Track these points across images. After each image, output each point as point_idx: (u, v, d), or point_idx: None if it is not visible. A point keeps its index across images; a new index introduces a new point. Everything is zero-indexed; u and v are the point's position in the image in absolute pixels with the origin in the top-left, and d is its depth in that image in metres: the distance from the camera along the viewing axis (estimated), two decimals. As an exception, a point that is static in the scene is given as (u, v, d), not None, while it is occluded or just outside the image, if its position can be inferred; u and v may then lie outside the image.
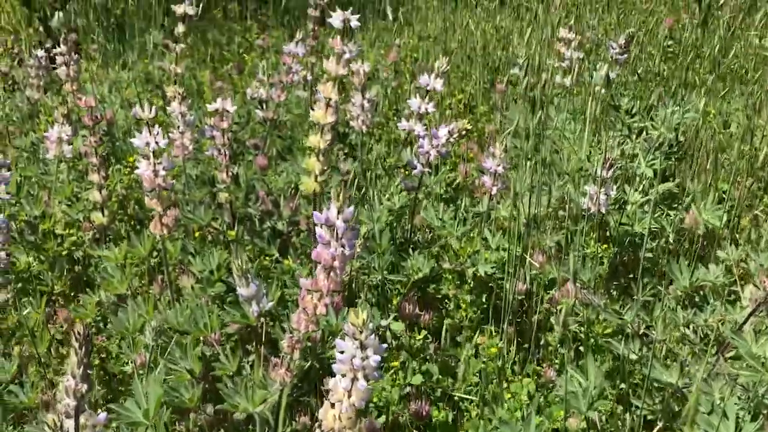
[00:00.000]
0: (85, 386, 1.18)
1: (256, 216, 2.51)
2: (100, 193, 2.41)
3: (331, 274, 1.39)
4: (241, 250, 2.31)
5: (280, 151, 3.10)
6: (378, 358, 1.29)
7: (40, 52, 3.56)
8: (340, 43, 1.96)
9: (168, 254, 2.24)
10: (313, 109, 2.89)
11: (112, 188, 2.57)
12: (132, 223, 2.71)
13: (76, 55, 3.16)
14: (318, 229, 1.36)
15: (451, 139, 2.15)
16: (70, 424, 1.21)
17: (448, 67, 2.35)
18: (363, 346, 1.29)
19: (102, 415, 1.26)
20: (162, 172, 1.87)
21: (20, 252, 2.36)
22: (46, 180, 2.73)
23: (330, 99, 2.04)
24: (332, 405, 1.36)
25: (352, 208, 1.35)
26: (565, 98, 3.30)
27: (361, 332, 1.28)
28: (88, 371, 1.18)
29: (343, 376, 1.32)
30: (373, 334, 1.29)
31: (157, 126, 1.86)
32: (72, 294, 2.40)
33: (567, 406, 1.50)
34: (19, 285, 2.34)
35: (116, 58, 4.62)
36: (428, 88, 2.36)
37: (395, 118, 3.58)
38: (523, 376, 1.77)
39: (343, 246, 1.35)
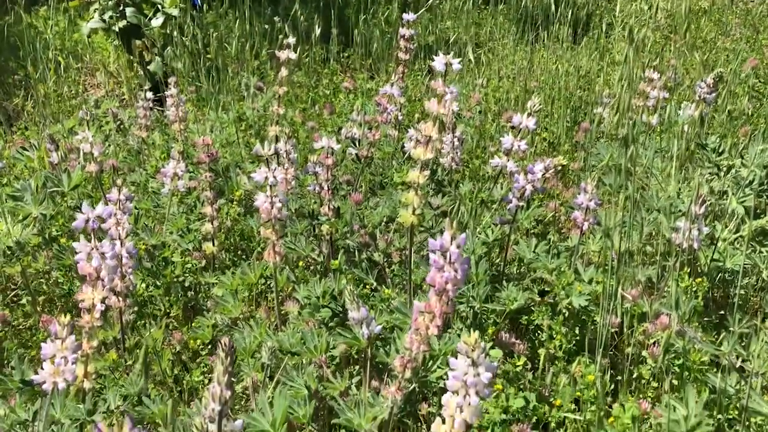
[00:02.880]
0: (229, 393, 1.32)
1: (354, 248, 2.65)
2: (212, 224, 2.60)
3: (444, 297, 1.50)
4: (342, 278, 2.44)
5: (372, 187, 3.24)
6: (489, 375, 1.38)
7: (149, 94, 3.84)
8: (442, 85, 2.09)
9: (277, 282, 2.39)
10: (403, 147, 3.04)
11: (222, 221, 2.76)
12: (237, 253, 2.89)
13: (183, 97, 3.41)
14: (432, 255, 1.47)
15: (547, 175, 2.25)
16: (213, 428, 1.34)
17: (540, 106, 2.45)
18: (475, 364, 1.39)
19: (239, 422, 1.39)
20: (278, 204, 2.03)
21: (138, 278, 2.56)
22: (159, 212, 2.95)
23: (430, 137, 2.17)
24: (443, 420, 1.45)
25: (464, 235, 1.46)
26: (650, 137, 3.35)
27: (473, 350, 1.38)
28: (232, 379, 1.31)
29: (456, 392, 1.42)
30: (484, 354, 1.39)
31: (274, 163, 2.02)
32: (183, 318, 2.58)
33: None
34: (136, 308, 2.53)
35: (212, 100, 4.90)
36: (521, 126, 2.47)
37: (482, 156, 3.69)
38: (620, 402, 1.81)
39: (455, 270, 1.46)
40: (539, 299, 2.31)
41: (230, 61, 5.65)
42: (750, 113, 3.90)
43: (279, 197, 2.03)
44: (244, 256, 2.89)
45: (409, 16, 3.47)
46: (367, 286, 2.39)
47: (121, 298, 2.12)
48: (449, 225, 1.43)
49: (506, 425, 1.81)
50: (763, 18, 6.03)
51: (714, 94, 2.90)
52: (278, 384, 1.89)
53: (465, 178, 3.67)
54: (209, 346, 2.41)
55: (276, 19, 6.34)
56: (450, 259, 1.44)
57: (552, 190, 3.34)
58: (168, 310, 2.50)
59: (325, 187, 2.50)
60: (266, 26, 6.25)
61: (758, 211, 2.73)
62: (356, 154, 3.22)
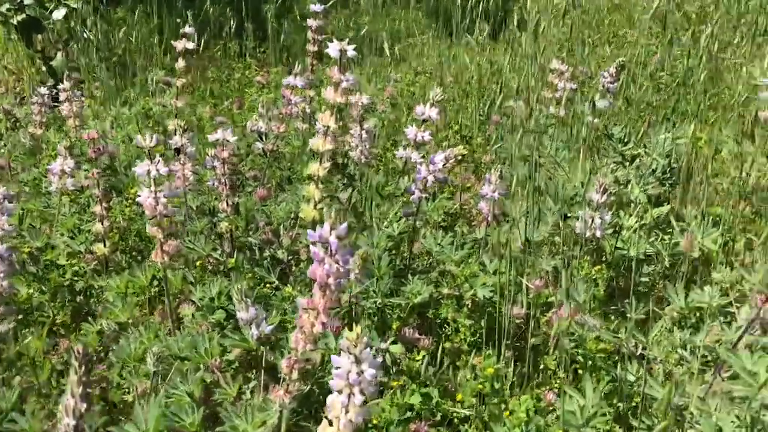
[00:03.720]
0: (85, 405, 1.20)
1: (257, 245, 2.54)
2: (102, 224, 2.45)
3: (327, 291, 1.41)
4: (242, 277, 2.33)
5: (280, 183, 3.14)
6: (373, 371, 1.31)
7: (43, 90, 3.63)
8: (338, 73, 2.01)
9: (169, 283, 2.26)
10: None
11: (114, 220, 2.60)
12: (132, 254, 2.74)
13: (79, 92, 3.23)
14: (313, 247, 1.39)
15: (447, 165, 2.20)
16: (71, 443, 1.22)
17: (443, 96, 2.40)
18: (358, 361, 1.31)
19: (103, 435, 1.28)
20: (163, 200, 1.91)
21: (21, 284, 2.39)
22: (49, 213, 2.77)
23: (328, 127, 2.09)
24: (330, 422, 1.37)
25: (345, 224, 1.38)
26: (558, 128, 3.36)
27: (356, 347, 1.30)
28: (88, 390, 1.20)
29: (340, 391, 1.34)
30: (368, 349, 1.31)
31: (158, 155, 1.90)
32: (73, 325, 2.41)
33: (565, 425, 1.51)
34: (20, 316, 2.36)
35: (117, 96, 4.69)
36: (423, 117, 2.41)
37: (393, 150, 3.63)
38: (520, 394, 1.78)
39: (337, 262, 1.38)
40: (445, 292, 2.26)
41: (138, 57, 5.43)
42: (655, 104, 3.98)
43: (164, 191, 1.91)
44: (141, 258, 2.74)
45: (316, 7, 3.37)
46: (268, 285, 2.29)
47: (-7, 306, 1.95)
48: (328, 215, 1.35)
49: (405, 423, 1.74)
50: (670, 14, 6.19)
51: (616, 84, 2.91)
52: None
53: (379, 172, 3.61)
54: (102, 354, 2.27)
55: (188, 13, 6.14)
56: (331, 251, 1.36)
57: (464, 183, 3.31)
58: (55, 317, 2.34)
59: (223, 182, 2.38)
60: (178, 20, 6.04)
61: (661, 199, 2.76)
62: (263, 149, 3.11)
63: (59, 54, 5.49)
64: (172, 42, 2.84)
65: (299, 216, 2.68)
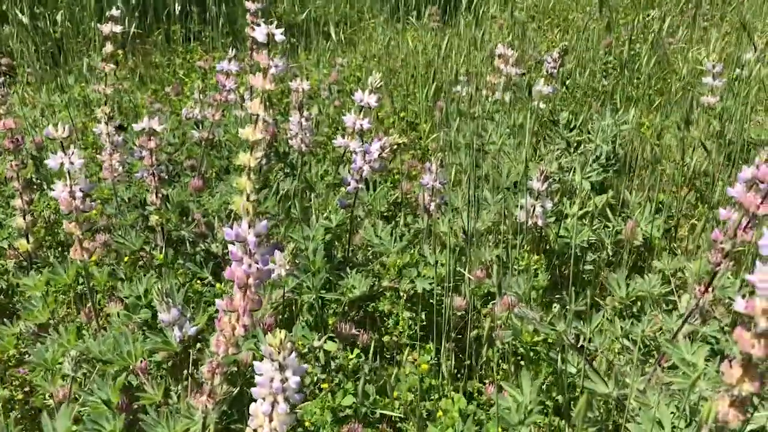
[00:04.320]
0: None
1: (190, 239, 2.44)
2: (25, 218, 2.32)
3: (247, 292, 1.33)
4: (172, 274, 2.23)
5: (218, 173, 3.03)
6: (297, 379, 1.24)
7: (-32, 76, 3.43)
8: (266, 58, 1.92)
9: (95, 281, 2.15)
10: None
11: (38, 214, 2.47)
12: (61, 249, 2.61)
13: (2, 78, 3.05)
14: (230, 246, 1.30)
15: (384, 154, 2.12)
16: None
17: (382, 83, 2.32)
18: (282, 368, 1.23)
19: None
20: (79, 194, 1.80)
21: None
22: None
23: (257, 115, 1.99)
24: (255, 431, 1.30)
25: (264, 222, 1.30)
26: (504, 114, 3.31)
27: (279, 353, 1.23)
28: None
29: (264, 399, 1.27)
30: (293, 355, 1.24)
31: (72, 146, 1.78)
32: (-6, 326, 2.28)
33: (500, 422, 1.46)
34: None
35: (52, 83, 4.49)
36: (362, 104, 2.33)
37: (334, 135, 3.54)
38: (451, 393, 1.72)
39: (257, 262, 1.29)
40: (386, 285, 2.20)
41: (75, 42, 5.21)
42: (600, 89, 3.96)
43: (81, 185, 1.79)
44: (66, 252, 2.61)
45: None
46: (199, 282, 2.19)
47: None
48: (244, 212, 1.26)
49: (340, 424, 1.68)
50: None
51: (561, 68, 2.87)
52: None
53: (323, 160, 3.51)
54: (23, 356, 2.14)
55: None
56: (249, 250, 1.28)
57: (410, 170, 3.24)
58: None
59: (152, 173, 2.27)
60: (119, 4, 5.81)
61: (605, 185, 2.73)
62: (198, 137, 2.99)
63: (-10, 38, 5.24)
64: (98, 26, 2.70)
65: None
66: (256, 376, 1.26)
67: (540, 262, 2.08)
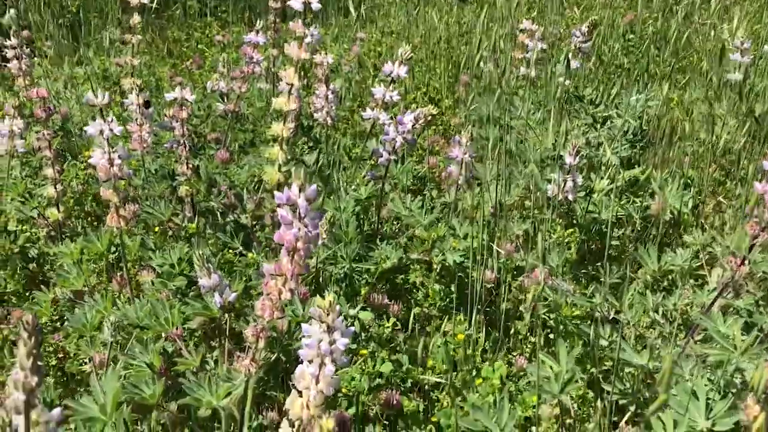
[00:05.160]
0: (36, 379, 1.11)
1: (219, 210, 2.45)
2: (55, 188, 2.33)
3: (295, 257, 1.34)
4: (204, 243, 2.24)
5: (243, 145, 3.03)
6: (346, 341, 1.25)
7: (-9, 48, 3.43)
8: (302, 26, 1.91)
9: (127, 249, 2.16)
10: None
11: (67, 183, 2.48)
12: (89, 219, 2.62)
13: (28, 49, 3.05)
14: (280, 210, 1.31)
15: (417, 126, 2.12)
16: (20, 420, 1.14)
17: (412, 55, 2.32)
18: (330, 330, 1.25)
19: (56, 411, 1.19)
20: (117, 161, 1.80)
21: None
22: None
23: (292, 85, 1.99)
24: (300, 393, 1.31)
25: (314, 186, 1.30)
26: (529, 89, 3.29)
27: (327, 315, 1.24)
28: (38, 363, 1.11)
29: (310, 361, 1.28)
30: (341, 317, 1.25)
31: (111, 114, 1.78)
32: (27, 293, 2.30)
33: (539, 390, 1.47)
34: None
35: (71, 55, 4.49)
36: (392, 76, 2.32)
37: (360, 111, 3.54)
38: (493, 360, 1.73)
39: (306, 226, 1.30)
40: (414, 257, 2.20)
41: (92, 14, 5.19)
42: (625, 66, 3.93)
43: (119, 152, 1.80)
44: (98, 224, 2.62)
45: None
46: (231, 251, 2.20)
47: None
48: (296, 176, 1.27)
49: (375, 391, 1.69)
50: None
51: (588, 43, 2.85)
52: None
53: (346, 134, 3.51)
54: (58, 323, 2.16)
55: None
56: (300, 214, 1.29)
57: (432, 146, 3.24)
58: (6, 285, 2.22)
59: (183, 143, 2.27)
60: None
61: (632, 161, 2.73)
62: (224, 110, 2.99)
63: (10, 11, 5.23)
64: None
65: (263, 180, 2.58)
66: (303, 339, 1.27)
67: (574, 235, 2.08)
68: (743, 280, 1.82)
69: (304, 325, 1.26)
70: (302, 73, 1.97)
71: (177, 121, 2.23)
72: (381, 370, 1.68)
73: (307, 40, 1.91)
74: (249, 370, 1.49)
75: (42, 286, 2.15)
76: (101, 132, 1.77)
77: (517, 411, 1.47)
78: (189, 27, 5.53)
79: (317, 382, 1.29)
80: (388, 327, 1.83)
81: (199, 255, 1.62)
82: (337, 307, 1.24)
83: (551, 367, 1.57)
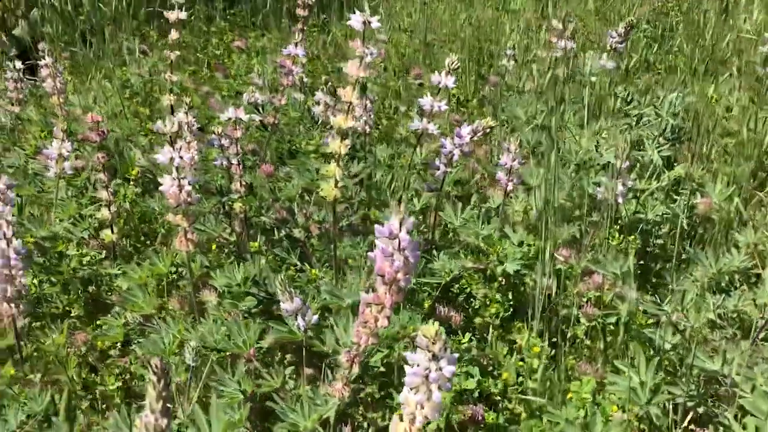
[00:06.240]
0: (165, 421, 1.14)
1: (271, 225, 2.47)
2: (109, 209, 2.34)
3: (394, 286, 1.36)
4: (260, 260, 2.26)
5: (280, 156, 3.04)
6: (453, 368, 1.27)
7: (18, 64, 3.43)
8: (361, 45, 1.92)
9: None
10: (311, 111, 2.84)
11: (118, 205, 2.49)
12: (139, 237, 2.64)
13: (61, 67, 3.06)
14: (379, 242, 1.33)
15: (475, 138, 2.14)
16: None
17: (459, 65, 2.33)
18: (436, 357, 1.27)
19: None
20: (187, 187, 1.82)
21: (28, 275, 2.28)
22: (44, 198, 2.64)
23: (351, 103, 2.00)
24: (401, 418, 1.34)
25: (412, 219, 1.32)
26: (557, 90, 3.31)
27: (434, 343, 1.26)
28: (168, 405, 1.13)
29: (415, 389, 1.30)
30: (448, 345, 1.27)
31: (179, 140, 1.80)
32: (85, 315, 2.32)
33: (629, 402, 1.50)
34: (31, 310, 2.26)
35: (91, 67, 4.48)
36: (440, 85, 2.33)
37: (392, 115, 3.55)
38: (582, 375, 1.76)
39: (406, 258, 1.32)
40: (470, 266, 2.22)
41: (106, 23, 5.17)
42: (654, 62, 3.95)
43: (188, 179, 1.82)
44: (146, 241, 2.64)
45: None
46: (291, 268, 2.22)
47: (12, 305, 1.85)
48: (396, 208, 1.29)
49: (455, 407, 1.72)
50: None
51: (624, 44, 2.87)
52: (206, 388, 1.71)
53: (375, 141, 3.53)
54: (118, 345, 2.18)
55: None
56: (400, 245, 1.31)
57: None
58: (68, 309, 2.24)
59: (235, 162, 2.29)
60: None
61: (672, 159, 2.75)
62: (261, 121, 3.00)
63: (22, 22, 5.21)
64: (165, 13, 2.70)
65: (313, 192, 2.60)
66: (408, 367, 1.29)
67: (635, 242, 2.10)
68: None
69: (409, 354, 1.28)
70: (361, 92, 1.99)
71: (231, 140, 2.25)
72: (467, 386, 1.71)
73: (367, 59, 1.92)
74: (343, 395, 1.52)
75: (105, 309, 2.17)
76: (171, 160, 1.78)
77: (609, 428, 1.49)
78: (201, 32, 5.51)
79: (422, 407, 1.31)
80: (464, 343, 1.86)
81: (281, 280, 1.64)
82: (443, 335, 1.26)
83: (633, 378, 1.60)
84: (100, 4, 5.23)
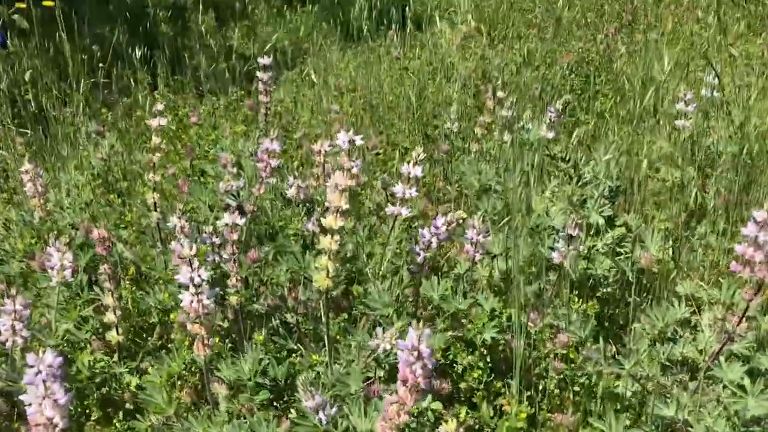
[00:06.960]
0: None
1: (264, 312, 2.69)
2: (115, 314, 2.52)
3: (414, 389, 1.62)
4: (258, 348, 2.46)
5: (258, 236, 3.26)
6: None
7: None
8: (348, 160, 2.19)
9: (197, 364, 2.39)
10: (284, 195, 3.08)
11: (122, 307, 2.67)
12: (138, 331, 2.81)
13: (40, 169, 3.21)
14: (401, 354, 1.59)
15: (449, 228, 2.43)
16: None
17: (424, 155, 2.62)
18: (458, 450, 1.54)
19: None
20: (206, 302, 2.04)
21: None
22: (42, 303, 2.79)
23: (340, 208, 2.26)
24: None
25: (428, 330, 1.59)
26: (502, 154, 3.65)
27: (456, 436, 1.53)
28: None
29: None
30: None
31: (196, 260, 2.02)
32: (101, 417, 2.49)
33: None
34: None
35: (51, 154, 4.58)
36: (409, 175, 2.62)
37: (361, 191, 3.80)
38: (558, 425, 2.06)
39: (425, 365, 1.59)
40: (451, 334, 2.50)
41: (54, 102, 5.25)
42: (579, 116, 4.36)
43: (206, 293, 2.04)
44: (143, 334, 2.82)
45: (264, 60, 3.52)
46: (293, 355, 2.45)
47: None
48: (416, 325, 1.55)
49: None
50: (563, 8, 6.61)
51: (562, 117, 3.23)
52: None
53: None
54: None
55: (94, 48, 6.00)
56: (420, 355, 1.57)
57: (425, 210, 3.55)
58: (88, 413, 2.41)
59: (232, 261, 2.51)
60: (83, 56, 5.83)
61: (612, 218, 3.11)
62: (239, 208, 3.21)
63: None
64: (147, 121, 2.90)
65: (299, 276, 2.83)
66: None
67: (593, 308, 2.43)
68: (741, 332, 2.21)
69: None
70: (348, 197, 2.25)
71: (229, 242, 2.46)
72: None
73: (354, 170, 2.19)
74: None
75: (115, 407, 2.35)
76: (191, 280, 2.00)
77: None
78: (147, 100, 5.63)
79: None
80: (464, 419, 2.13)
81: (302, 380, 1.87)
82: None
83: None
84: (38, 78, 5.30)
